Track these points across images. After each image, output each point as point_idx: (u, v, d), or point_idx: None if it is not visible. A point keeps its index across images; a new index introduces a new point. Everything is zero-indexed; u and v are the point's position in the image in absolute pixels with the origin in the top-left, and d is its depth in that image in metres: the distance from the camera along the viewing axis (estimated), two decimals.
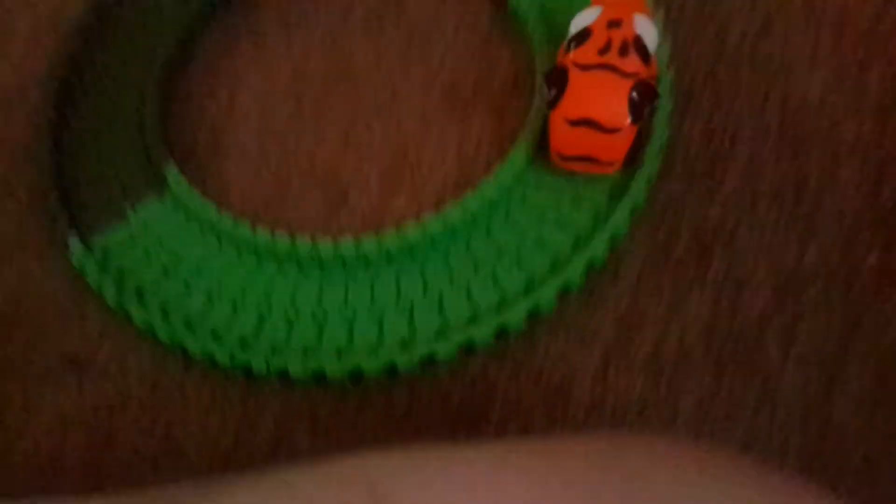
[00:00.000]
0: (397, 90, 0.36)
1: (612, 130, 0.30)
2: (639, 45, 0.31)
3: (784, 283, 0.31)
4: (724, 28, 0.36)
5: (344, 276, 0.32)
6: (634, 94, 0.29)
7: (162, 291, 0.32)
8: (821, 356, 0.29)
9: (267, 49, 0.38)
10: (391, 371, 0.30)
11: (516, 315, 0.30)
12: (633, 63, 0.30)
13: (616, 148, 0.30)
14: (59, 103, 0.36)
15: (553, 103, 0.30)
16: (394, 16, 0.38)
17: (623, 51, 0.30)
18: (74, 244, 0.33)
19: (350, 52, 0.37)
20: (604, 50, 0.31)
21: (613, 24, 0.31)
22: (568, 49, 0.31)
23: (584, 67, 0.30)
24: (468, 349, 0.30)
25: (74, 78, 0.37)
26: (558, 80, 0.30)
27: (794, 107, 0.34)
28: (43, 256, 0.34)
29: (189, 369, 0.31)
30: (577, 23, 0.31)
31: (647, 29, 0.31)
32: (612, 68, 0.30)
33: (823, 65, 0.35)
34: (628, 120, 0.30)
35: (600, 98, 0.30)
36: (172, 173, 0.34)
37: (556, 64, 0.31)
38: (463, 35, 0.37)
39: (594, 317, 0.31)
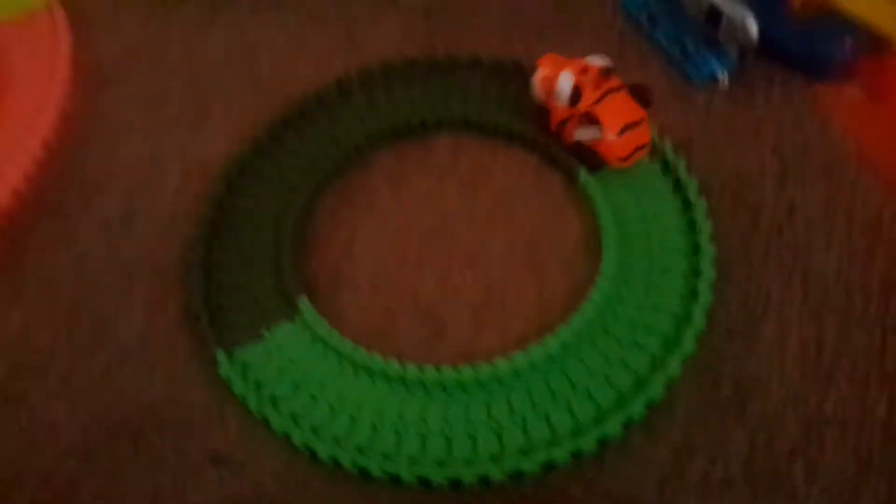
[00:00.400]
0: (486, 243, 0.44)
1: (641, 121, 0.43)
2: (604, 70, 0.44)
3: (808, 426, 0.38)
4: (756, 211, 0.44)
5: (444, 397, 0.39)
6: (633, 93, 0.44)
7: (293, 401, 0.39)
8: (839, 489, 0.36)
9: (378, 203, 0.46)
10: (484, 481, 0.37)
11: (588, 440, 0.37)
12: (614, 80, 0.44)
13: (646, 131, 0.44)
14: (207, 237, 0.43)
15: (596, 136, 0.43)
16: (483, 182, 0.46)
17: (602, 78, 0.43)
18: (221, 357, 0.40)
19: (447, 210, 0.45)
20: (595, 86, 0.43)
21: (581, 71, 0.44)
22: (575, 103, 0.44)
23: (597, 102, 0.43)
24: (548, 466, 0.37)
25: (219, 217, 0.44)
26: (591, 121, 0.43)
27: (815, 279, 0.42)
28: (190, 366, 0.41)
29: (315, 469, 0.38)
30: (564, 87, 0.44)
31: (593, 60, 0.44)
32: (609, 91, 0.43)
33: (837, 246, 0.43)
34: (645, 109, 0.43)
35: (624, 108, 0.43)
36: (304, 303, 0.41)
37: (574, 114, 0.44)
38: (540, 201, 0.45)
39: (653, 445, 0.38)
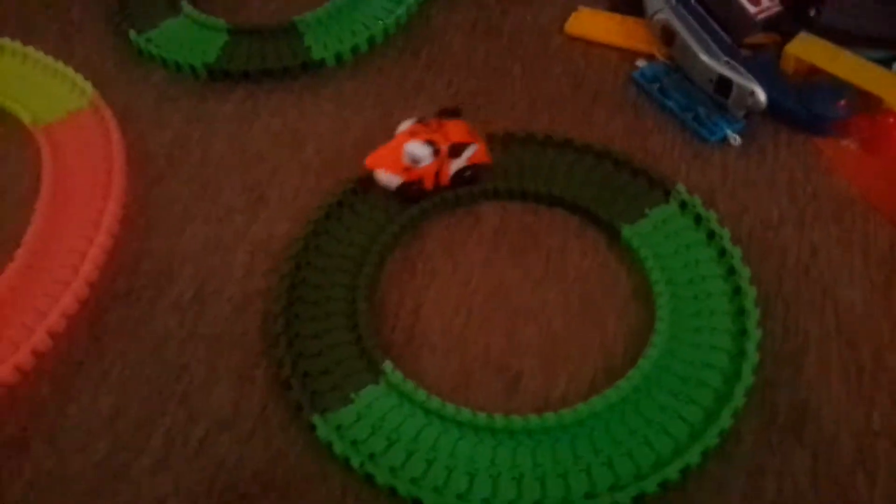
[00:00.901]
0: (544, 299, 0.48)
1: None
2: (419, 119, 0.51)
3: (861, 441, 0.42)
4: (782, 254, 0.49)
5: (513, 443, 0.43)
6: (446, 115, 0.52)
7: (390, 457, 0.42)
8: None
9: (437, 269, 0.49)
10: None
11: (651, 484, 0.41)
12: (432, 119, 0.51)
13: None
14: (285, 311, 0.47)
15: (471, 153, 0.51)
16: (532, 245, 0.50)
17: (426, 123, 0.51)
18: (318, 421, 0.43)
19: (502, 272, 0.49)
20: (433, 129, 0.50)
21: (411, 134, 0.50)
22: (436, 152, 0.50)
23: (447, 133, 0.51)
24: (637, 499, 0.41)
25: (293, 291, 0.48)
26: (459, 147, 0.50)
27: (844, 311, 0.47)
28: (287, 431, 0.43)
29: None
30: (417, 150, 0.50)
31: (406, 124, 0.51)
32: (441, 123, 0.51)
33: (859, 280, 0.48)
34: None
35: (459, 123, 0.52)
36: (388, 366, 0.45)
37: (443, 155, 0.50)
38: (587, 257, 0.50)
39: (729, 470, 0.42)
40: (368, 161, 0.50)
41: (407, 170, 0.49)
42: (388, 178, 0.50)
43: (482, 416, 0.42)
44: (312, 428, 0.42)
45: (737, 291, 0.47)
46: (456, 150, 0.49)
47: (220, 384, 0.44)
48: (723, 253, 0.48)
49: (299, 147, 0.54)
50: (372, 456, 0.42)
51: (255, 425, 0.43)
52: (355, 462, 0.41)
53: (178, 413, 0.44)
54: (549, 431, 0.42)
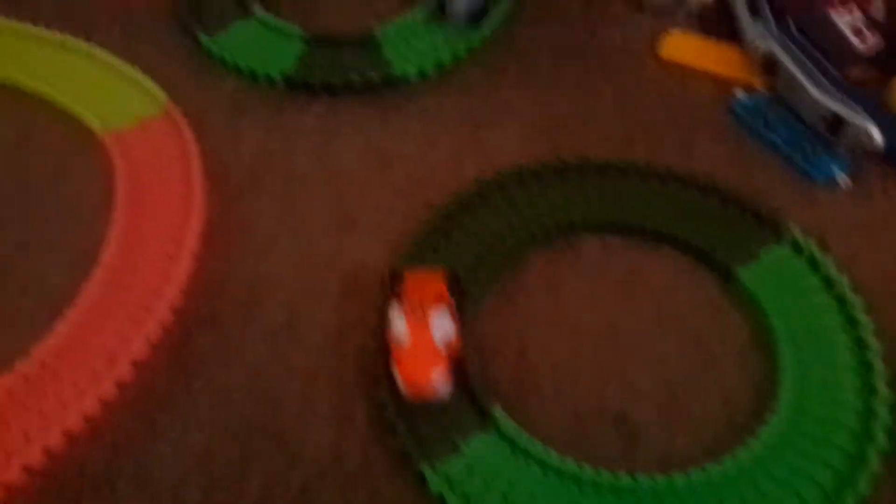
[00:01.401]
0: (656, 344, 0.46)
1: None
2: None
3: None
4: None
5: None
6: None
7: None
8: None
9: (539, 306, 0.47)
10: None
11: None
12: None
13: None
14: (383, 349, 0.44)
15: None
16: (639, 283, 0.48)
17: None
18: (427, 472, 0.40)
19: (610, 312, 0.47)
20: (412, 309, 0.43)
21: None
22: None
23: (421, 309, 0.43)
24: None
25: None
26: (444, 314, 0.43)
27: None
28: (392, 481, 0.41)
29: None
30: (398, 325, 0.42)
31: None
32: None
33: None
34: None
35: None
36: (498, 412, 0.42)
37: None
38: (700, 301, 0.47)
39: None
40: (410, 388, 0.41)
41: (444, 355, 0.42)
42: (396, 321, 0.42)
43: (605, 474, 0.40)
44: (421, 478, 0.40)
45: (859, 344, 0.45)
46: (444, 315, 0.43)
47: (318, 423, 0.42)
48: (842, 301, 0.46)
49: (386, 167, 0.52)
50: None
51: (357, 472, 0.41)
52: None
53: (275, 454, 0.41)
54: (678, 493, 0.40)
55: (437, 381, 0.41)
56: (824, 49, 0.55)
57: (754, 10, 0.57)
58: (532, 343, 0.45)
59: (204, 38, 0.58)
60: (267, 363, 0.44)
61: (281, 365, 0.44)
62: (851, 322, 0.46)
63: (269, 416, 0.42)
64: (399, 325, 0.42)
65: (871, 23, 0.56)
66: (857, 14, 0.56)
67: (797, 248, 0.48)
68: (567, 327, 0.46)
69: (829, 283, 0.47)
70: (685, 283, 0.48)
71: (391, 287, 0.44)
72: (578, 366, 0.45)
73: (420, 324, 0.42)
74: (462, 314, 0.44)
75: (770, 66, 0.55)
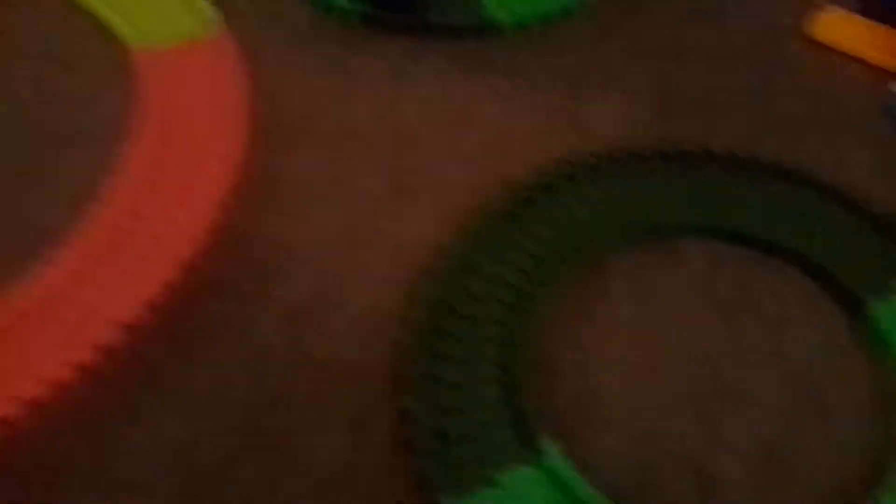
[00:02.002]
0: (758, 383, 0.38)
1: None
2: None
3: None
4: None
5: None
6: None
7: None
8: None
9: (620, 319, 0.40)
10: None
11: None
12: None
13: None
14: (424, 348, 0.37)
15: None
16: (748, 305, 0.40)
17: None
18: None
19: (708, 336, 0.39)
20: None
21: None
22: None
23: None
24: None
25: (435, 322, 0.38)
26: None
27: None
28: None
29: None
30: None
31: None
32: None
33: None
34: None
35: None
36: (547, 444, 0.35)
37: None
38: (820, 335, 0.40)
39: None
40: None
41: None
42: None
43: None
44: None
45: None
46: None
47: (328, 427, 0.36)
48: None
49: (460, 129, 0.45)
50: None
51: (364, 493, 0.34)
52: None
53: (270, 457, 0.35)
54: None
55: None
56: None
57: None
58: (603, 364, 0.38)
59: None
60: (281, 347, 0.38)
61: (296, 351, 0.38)
62: None
63: (272, 411, 0.36)
64: None
65: None
66: None
67: None
68: (649, 350, 0.39)
69: None
70: (804, 311, 0.40)
71: None
72: (657, 399, 0.37)
73: None
74: (529, 318, 0.38)
75: None
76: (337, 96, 0.46)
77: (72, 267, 0.38)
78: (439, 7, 0.49)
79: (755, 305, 0.40)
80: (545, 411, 0.37)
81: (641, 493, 0.35)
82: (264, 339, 0.38)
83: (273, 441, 0.36)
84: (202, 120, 0.43)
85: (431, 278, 0.39)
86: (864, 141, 0.46)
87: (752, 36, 0.50)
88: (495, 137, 0.45)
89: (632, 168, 0.44)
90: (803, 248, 0.41)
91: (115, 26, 0.46)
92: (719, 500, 0.35)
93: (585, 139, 0.45)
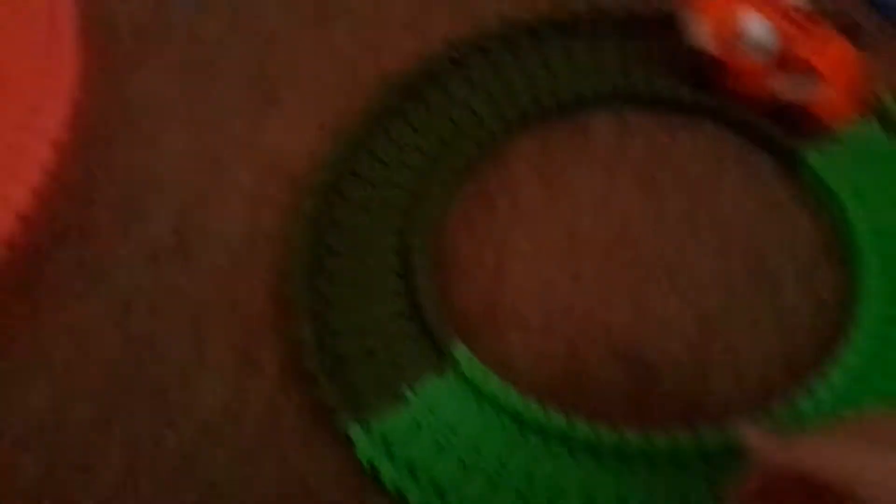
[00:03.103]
0: (688, 257, 0.37)
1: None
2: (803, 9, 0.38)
3: None
4: None
5: (648, 471, 0.32)
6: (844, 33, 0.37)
7: (465, 487, 0.32)
8: None
9: (528, 207, 0.38)
10: None
11: None
12: (819, 21, 0.38)
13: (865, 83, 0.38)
14: (307, 268, 0.36)
15: (810, 93, 0.37)
16: (667, 173, 0.39)
17: (807, 19, 0.37)
18: (356, 432, 0.32)
19: (625, 212, 0.38)
20: (801, 29, 0.37)
21: (772, 10, 0.38)
22: (770, 52, 0.37)
23: (811, 49, 0.37)
24: None
25: (318, 239, 0.37)
26: (804, 73, 0.37)
27: None
28: (308, 445, 0.33)
29: None
30: (759, 32, 0.37)
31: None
32: (823, 36, 0.37)
33: None
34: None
35: (845, 57, 0.38)
36: (459, 350, 0.34)
37: (777, 65, 0.37)
38: (753, 195, 0.39)
39: None
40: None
41: (725, 42, 0.38)
42: (758, 22, 0.38)
43: (607, 434, 0.32)
44: (349, 441, 0.32)
45: None
46: (794, 67, 0.37)
47: (211, 372, 0.34)
48: None
49: (327, 24, 0.43)
50: (438, 488, 0.31)
51: (260, 434, 0.33)
52: (415, 498, 0.30)
53: (147, 414, 0.33)
54: (711, 459, 0.32)
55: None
56: None
57: None
58: (514, 256, 0.37)
59: None
60: (146, 292, 0.36)
61: (166, 293, 0.36)
62: None
63: (143, 365, 0.34)
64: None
65: None
66: None
67: (886, 122, 0.39)
68: (564, 234, 0.38)
69: None
70: (732, 172, 0.39)
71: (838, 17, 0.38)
72: (577, 287, 0.36)
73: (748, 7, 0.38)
74: (424, 219, 0.37)
75: None
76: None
77: None
78: None
79: (677, 173, 0.39)
80: (453, 316, 0.35)
81: (571, 387, 0.34)
82: (126, 286, 0.37)
83: (150, 392, 0.34)
84: (22, 39, 0.41)
85: (311, 192, 0.37)
86: None
87: None
88: (368, 29, 0.43)
89: (522, 44, 0.42)
90: (719, 104, 0.40)
91: None
92: (657, 383, 0.34)
93: (469, 20, 0.43)
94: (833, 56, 0.37)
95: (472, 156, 0.39)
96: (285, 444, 0.33)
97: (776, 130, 0.39)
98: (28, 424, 0.33)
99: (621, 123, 0.41)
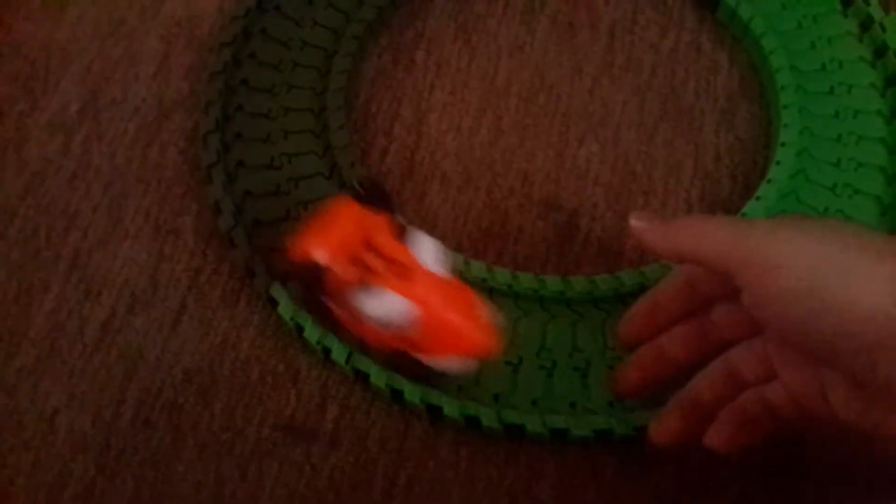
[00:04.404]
0: (607, 101, 0.38)
1: None
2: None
3: None
4: None
5: (572, 317, 0.34)
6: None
7: None
8: None
9: (445, 58, 0.39)
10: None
11: None
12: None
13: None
14: (219, 129, 0.37)
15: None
16: (585, 19, 0.40)
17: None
18: (279, 294, 0.33)
19: (543, 62, 0.39)
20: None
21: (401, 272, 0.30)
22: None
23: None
24: None
25: (229, 99, 0.37)
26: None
27: None
28: (230, 307, 0.34)
29: (438, 429, 0.32)
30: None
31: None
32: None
33: None
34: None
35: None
36: None
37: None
38: (670, 38, 0.40)
39: None
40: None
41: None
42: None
43: (526, 279, 0.33)
44: (272, 302, 0.34)
45: (891, 82, 0.37)
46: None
47: (129, 240, 0.35)
48: (867, 26, 0.39)
49: None
50: (361, 342, 0.33)
51: (183, 301, 0.34)
52: (339, 355, 0.32)
53: (67, 286, 0.34)
54: (627, 300, 0.33)
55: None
56: None
57: None
58: (433, 111, 0.39)
59: None
60: (57, 165, 0.37)
61: (77, 166, 0.37)
62: (880, 53, 0.38)
63: (59, 237, 0.35)
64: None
65: None
66: None
67: None
68: (482, 86, 0.39)
69: (848, 3, 0.39)
70: (647, 13, 0.40)
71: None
72: (497, 137, 0.38)
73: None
74: (338, 77, 0.38)
75: None
76: None
77: None
78: None
79: (593, 16, 0.40)
80: (375, 175, 0.37)
81: (491, 244, 0.36)
82: (37, 159, 0.37)
83: (67, 268, 0.35)
84: None
85: (221, 54, 0.38)
86: None
87: None
88: None
89: None
90: None
91: None
92: (578, 236, 0.36)
93: None
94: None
95: (385, 8, 0.40)
96: (207, 309, 0.34)
97: None
98: None
99: None
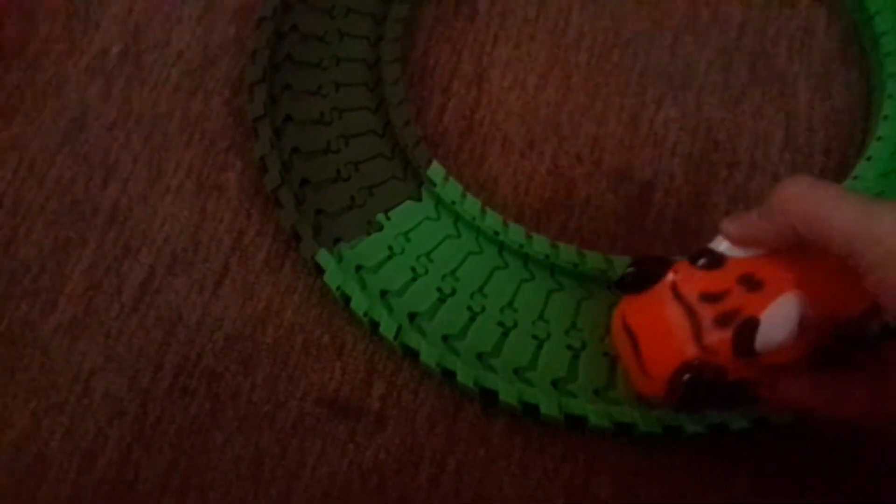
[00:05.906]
0: (689, 61, 0.38)
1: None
2: (746, 329, 0.27)
3: None
4: None
5: None
6: (686, 374, 0.28)
7: (443, 321, 0.33)
8: None
9: (510, 10, 0.39)
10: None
11: None
12: (717, 338, 0.28)
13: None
14: (268, 82, 0.36)
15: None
16: None
17: (722, 321, 0.28)
18: (326, 261, 0.33)
19: (619, 14, 0.38)
20: (710, 298, 0.28)
21: (749, 283, 0.28)
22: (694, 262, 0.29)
23: (677, 296, 0.29)
24: None
25: (279, 50, 0.37)
26: (640, 280, 0.30)
27: None
28: (275, 272, 0.34)
29: (490, 414, 0.32)
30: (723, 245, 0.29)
31: (778, 317, 0.27)
32: (697, 325, 0.28)
33: None
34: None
35: (655, 340, 0.29)
36: (435, 172, 0.35)
37: (655, 262, 0.30)
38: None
39: None
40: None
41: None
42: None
43: (593, 259, 0.33)
44: (317, 268, 0.34)
45: None
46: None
47: (171, 196, 0.35)
48: None
49: None
50: (414, 318, 0.33)
51: (226, 263, 0.35)
52: (388, 329, 0.32)
53: (105, 241, 0.35)
54: None
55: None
56: None
57: None
58: (495, 69, 0.38)
59: None
60: (97, 109, 0.37)
61: (118, 112, 0.37)
62: None
63: (97, 188, 0.36)
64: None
65: None
66: None
67: None
68: (550, 42, 0.38)
69: None
70: None
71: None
72: (565, 100, 0.37)
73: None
74: (395, 24, 0.38)
75: None
76: None
77: None
78: None
79: None
80: (428, 133, 0.36)
81: (556, 210, 0.36)
82: (77, 102, 0.38)
83: (105, 222, 0.35)
84: None
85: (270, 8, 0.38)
86: None
87: None
88: None
89: None
90: None
91: None
92: (655, 206, 0.35)
93: None
94: None
95: None
96: (250, 272, 0.35)
97: None
98: None
99: None
